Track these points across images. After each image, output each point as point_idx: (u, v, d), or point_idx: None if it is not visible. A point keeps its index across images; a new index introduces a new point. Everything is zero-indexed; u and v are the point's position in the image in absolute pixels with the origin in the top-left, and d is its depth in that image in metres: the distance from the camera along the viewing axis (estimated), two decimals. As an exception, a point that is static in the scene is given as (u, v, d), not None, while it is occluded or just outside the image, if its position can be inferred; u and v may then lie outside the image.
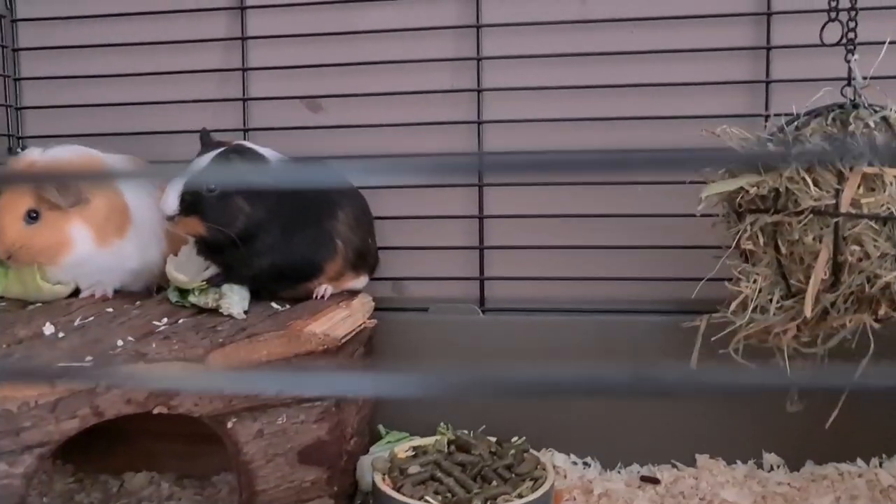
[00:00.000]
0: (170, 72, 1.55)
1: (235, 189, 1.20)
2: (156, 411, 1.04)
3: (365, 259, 1.39)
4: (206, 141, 1.28)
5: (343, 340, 1.20)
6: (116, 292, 1.31)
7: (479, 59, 1.48)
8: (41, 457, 0.99)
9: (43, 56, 1.60)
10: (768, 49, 1.40)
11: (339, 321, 1.22)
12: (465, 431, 1.33)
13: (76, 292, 1.29)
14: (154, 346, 1.03)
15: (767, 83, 1.40)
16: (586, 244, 1.45)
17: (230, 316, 1.19)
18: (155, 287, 1.35)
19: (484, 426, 1.38)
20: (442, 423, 1.38)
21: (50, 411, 0.98)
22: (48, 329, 1.07)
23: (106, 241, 1.25)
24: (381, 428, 1.42)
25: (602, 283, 1.45)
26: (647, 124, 1.43)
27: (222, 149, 1.23)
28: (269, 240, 1.24)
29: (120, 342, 1.04)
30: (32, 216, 1.20)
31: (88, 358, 0.98)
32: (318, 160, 1.40)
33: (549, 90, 1.45)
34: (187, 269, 1.25)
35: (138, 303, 1.26)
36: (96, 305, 1.23)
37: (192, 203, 1.19)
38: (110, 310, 1.21)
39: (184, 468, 1.43)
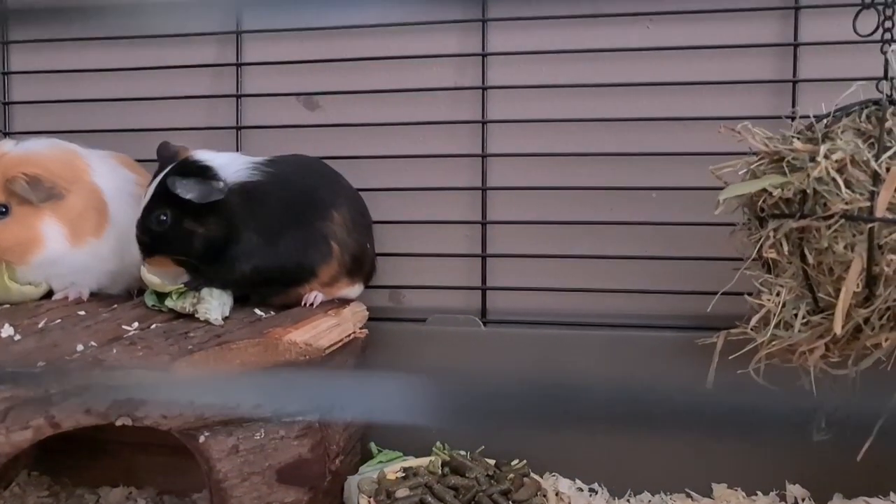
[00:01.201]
0: (162, 66, 1.49)
1: (179, 213, 1.13)
2: (119, 423, 0.97)
3: (361, 265, 1.31)
4: (164, 154, 1.20)
5: (328, 351, 1.12)
6: (93, 295, 1.23)
7: (484, 56, 1.40)
8: (-10, 470, 0.92)
9: (33, 50, 1.55)
10: (795, 46, 1.30)
11: (325, 330, 1.14)
12: (462, 452, 1.25)
13: (49, 294, 1.21)
14: (115, 351, 0.95)
15: (794, 82, 1.31)
16: (595, 254, 1.38)
17: (207, 322, 1.11)
18: (135, 290, 1.28)
19: (483, 447, 1.29)
20: (438, 442, 1.30)
21: None
22: (6, 331, 1.00)
23: (81, 240, 1.18)
24: (373, 446, 1.34)
25: (612, 295, 1.38)
26: (664, 125, 1.35)
27: (165, 171, 1.16)
28: (250, 243, 1.17)
29: (80, 347, 0.96)
30: (1, 211, 1.13)
31: (40, 363, 0.90)
32: (309, 158, 1.33)
33: (558, 88, 1.38)
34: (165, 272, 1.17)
35: (114, 306, 1.18)
36: (67, 308, 1.15)
37: (150, 243, 1.15)
38: (82, 313, 1.13)
39: (164, 483, 1.36)
